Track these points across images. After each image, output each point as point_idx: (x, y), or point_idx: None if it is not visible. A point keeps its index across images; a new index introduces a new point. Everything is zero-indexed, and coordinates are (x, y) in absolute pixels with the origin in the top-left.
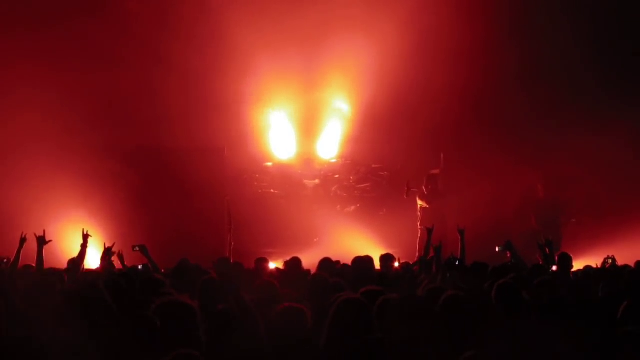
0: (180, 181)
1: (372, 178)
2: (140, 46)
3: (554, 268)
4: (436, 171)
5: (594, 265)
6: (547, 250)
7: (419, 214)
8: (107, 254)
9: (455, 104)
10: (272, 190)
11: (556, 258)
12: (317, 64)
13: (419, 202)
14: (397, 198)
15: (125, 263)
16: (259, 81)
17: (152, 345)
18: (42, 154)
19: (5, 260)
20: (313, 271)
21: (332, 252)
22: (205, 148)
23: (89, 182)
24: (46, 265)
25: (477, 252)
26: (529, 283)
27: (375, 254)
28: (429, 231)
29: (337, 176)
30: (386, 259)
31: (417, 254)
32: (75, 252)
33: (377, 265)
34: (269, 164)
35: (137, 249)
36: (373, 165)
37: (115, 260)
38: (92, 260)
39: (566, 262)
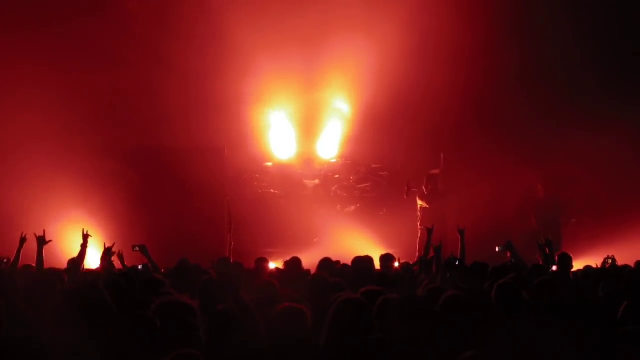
0: (180, 181)
1: (372, 178)
2: (140, 46)
3: (554, 268)
4: (436, 171)
5: (594, 265)
6: (547, 250)
7: (419, 214)
8: (107, 254)
9: (455, 104)
10: (272, 190)
11: (556, 258)
12: (317, 64)
13: (419, 202)
14: (397, 198)
15: (125, 263)
16: (259, 81)
17: (152, 345)
18: (42, 154)
19: (5, 260)
20: (313, 271)
21: (332, 252)
22: (205, 148)
23: (88, 182)
24: (46, 265)
25: (477, 252)
26: (529, 283)
27: (375, 254)
28: (429, 231)
29: (337, 176)
30: (386, 259)
31: (417, 254)
32: (75, 252)
33: (377, 265)
34: (269, 164)
35: (137, 249)
36: (373, 165)
37: (115, 260)
38: (92, 260)
39: (566, 262)
